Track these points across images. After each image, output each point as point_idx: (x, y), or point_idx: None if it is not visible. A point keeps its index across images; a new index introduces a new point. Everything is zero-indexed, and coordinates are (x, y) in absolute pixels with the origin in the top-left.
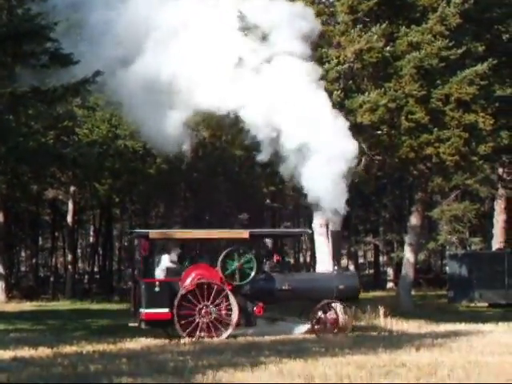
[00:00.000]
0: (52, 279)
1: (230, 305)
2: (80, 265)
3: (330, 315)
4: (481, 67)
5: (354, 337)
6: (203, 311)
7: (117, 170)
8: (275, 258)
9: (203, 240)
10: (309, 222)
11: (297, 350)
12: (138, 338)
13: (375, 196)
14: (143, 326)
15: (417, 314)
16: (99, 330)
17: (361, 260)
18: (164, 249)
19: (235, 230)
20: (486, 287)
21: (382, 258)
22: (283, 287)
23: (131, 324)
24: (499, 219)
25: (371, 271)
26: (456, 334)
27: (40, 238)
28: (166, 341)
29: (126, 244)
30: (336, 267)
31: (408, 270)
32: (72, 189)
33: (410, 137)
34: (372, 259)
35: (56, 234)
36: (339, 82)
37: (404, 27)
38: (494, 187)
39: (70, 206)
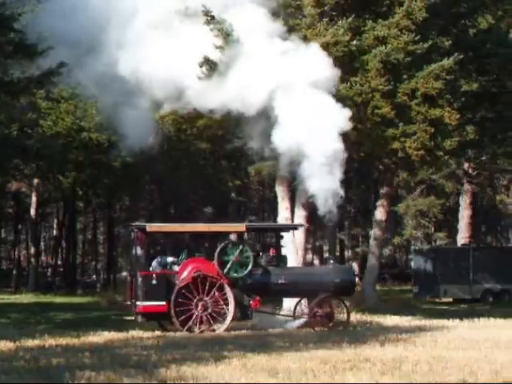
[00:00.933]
0: (15, 272)
1: (226, 298)
2: (43, 258)
3: (325, 309)
4: (447, 62)
5: (318, 331)
6: (200, 304)
7: (81, 163)
8: (271, 251)
9: (200, 233)
10: (274, 216)
11: (261, 345)
12: (101, 331)
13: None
14: (139, 319)
15: (382, 309)
16: (62, 323)
17: (326, 254)
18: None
19: (232, 224)
20: (451, 282)
21: (347, 253)
22: (279, 281)
23: (127, 317)
24: (464, 214)
25: None
26: (420, 328)
27: (3, 231)
28: (130, 335)
29: (89, 237)
30: (332, 261)
31: (373, 265)
32: (35, 181)
33: (375, 131)
34: (337, 254)
35: (19, 226)
36: None
37: (370, 21)
38: (459, 182)
39: (34, 198)
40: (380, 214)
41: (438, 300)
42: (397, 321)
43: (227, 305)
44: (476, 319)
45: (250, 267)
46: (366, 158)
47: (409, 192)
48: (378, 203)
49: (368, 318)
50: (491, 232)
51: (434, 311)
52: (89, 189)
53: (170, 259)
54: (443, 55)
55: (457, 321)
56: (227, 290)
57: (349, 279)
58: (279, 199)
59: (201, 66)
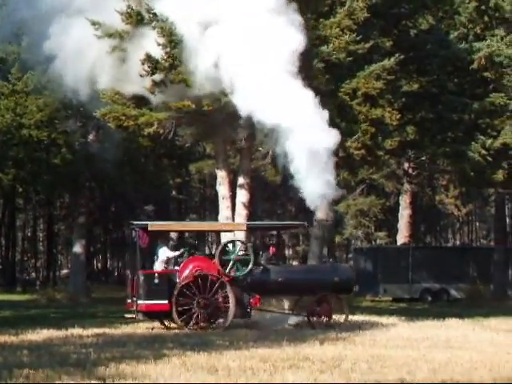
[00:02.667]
0: None
1: (227, 296)
2: None
3: (324, 307)
4: (388, 62)
5: (258, 331)
6: (201, 303)
7: (21, 160)
8: (271, 250)
9: (202, 232)
10: (215, 215)
11: (201, 343)
12: (40, 329)
13: (281, 189)
14: (140, 317)
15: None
16: (0, 321)
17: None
18: (161, 241)
19: (233, 223)
20: (391, 281)
21: (288, 252)
22: (279, 279)
23: (127, 315)
24: (404, 214)
25: None
26: (360, 327)
27: None
28: (69, 332)
29: (29, 234)
30: (330, 259)
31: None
32: None
33: None
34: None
35: None
36: None
37: (312, 20)
38: (399, 182)
39: None
40: (321, 213)
41: (377, 299)
42: (336, 319)
43: (228, 303)
44: (415, 318)
45: (250, 266)
46: None
47: (349, 191)
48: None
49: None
50: (430, 232)
51: (373, 310)
52: (29, 186)
53: (162, 250)
54: (384, 55)
55: (396, 320)
56: (228, 288)
57: (348, 278)
58: (220, 198)
59: (143, 64)
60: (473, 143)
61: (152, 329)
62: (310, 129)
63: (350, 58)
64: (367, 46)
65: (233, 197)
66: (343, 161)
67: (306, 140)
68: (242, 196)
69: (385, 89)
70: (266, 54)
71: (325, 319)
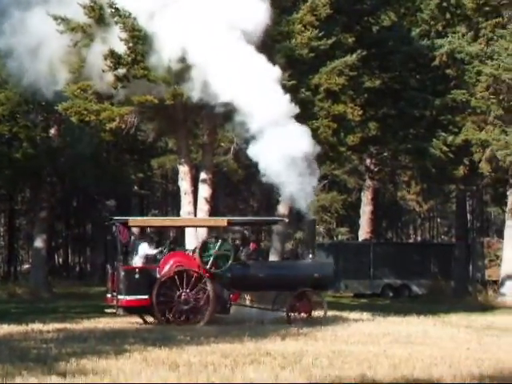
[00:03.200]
0: None
1: (207, 292)
2: None
3: (304, 303)
4: (350, 58)
5: (219, 326)
6: (181, 298)
7: None
8: (252, 246)
9: (182, 227)
10: (177, 210)
11: (162, 338)
12: (0, 324)
13: (244, 184)
14: (121, 312)
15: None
16: None
17: None
18: (141, 237)
19: (214, 218)
20: (352, 277)
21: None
22: (259, 275)
23: (108, 310)
24: (366, 210)
25: None
26: (321, 323)
27: None
28: (29, 328)
29: None
30: (311, 255)
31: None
32: None
33: None
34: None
35: None
36: None
37: (275, 16)
38: (361, 178)
39: None
40: (283, 208)
41: (338, 295)
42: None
43: (208, 299)
44: (376, 314)
45: (230, 261)
46: None
47: None
48: (280, 198)
49: (268, 312)
50: (392, 228)
51: (334, 306)
52: None
53: (143, 245)
54: (346, 51)
55: (357, 315)
56: (208, 284)
57: (327, 274)
58: (182, 193)
59: (105, 59)
60: (434, 140)
61: (113, 324)
62: (272, 103)
63: (313, 54)
64: (330, 42)
65: (195, 192)
66: None
67: (270, 115)
68: (204, 191)
69: (347, 85)
70: (227, 29)
71: (304, 315)
